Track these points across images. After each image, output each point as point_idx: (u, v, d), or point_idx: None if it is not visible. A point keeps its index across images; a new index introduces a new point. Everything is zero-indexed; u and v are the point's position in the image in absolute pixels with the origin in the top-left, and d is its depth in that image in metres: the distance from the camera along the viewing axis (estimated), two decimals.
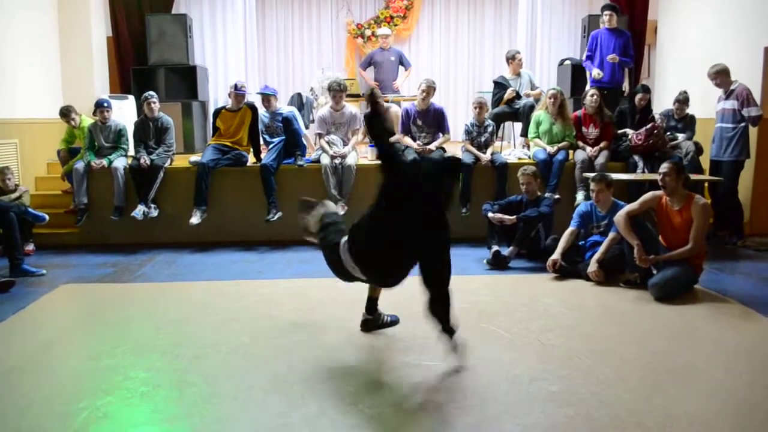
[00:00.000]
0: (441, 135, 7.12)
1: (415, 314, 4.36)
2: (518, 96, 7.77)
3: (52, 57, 8.33)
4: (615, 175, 5.92)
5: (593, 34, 7.93)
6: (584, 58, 8.04)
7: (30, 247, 6.37)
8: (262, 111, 7.24)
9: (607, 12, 7.74)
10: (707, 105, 6.95)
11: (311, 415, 2.96)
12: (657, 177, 4.97)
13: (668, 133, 6.89)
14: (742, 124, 6.43)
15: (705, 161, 6.93)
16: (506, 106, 7.79)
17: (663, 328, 4.16)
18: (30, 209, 6.19)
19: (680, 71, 8.49)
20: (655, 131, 6.63)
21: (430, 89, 6.99)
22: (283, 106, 7.50)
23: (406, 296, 4.79)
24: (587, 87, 7.59)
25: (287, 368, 3.49)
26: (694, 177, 6.26)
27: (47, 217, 6.22)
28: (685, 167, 5.22)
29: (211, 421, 2.92)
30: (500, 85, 7.89)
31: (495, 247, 5.77)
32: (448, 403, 3.06)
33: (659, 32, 9.27)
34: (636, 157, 6.78)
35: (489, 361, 3.56)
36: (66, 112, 7.17)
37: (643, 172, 6.62)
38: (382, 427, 2.85)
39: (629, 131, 6.88)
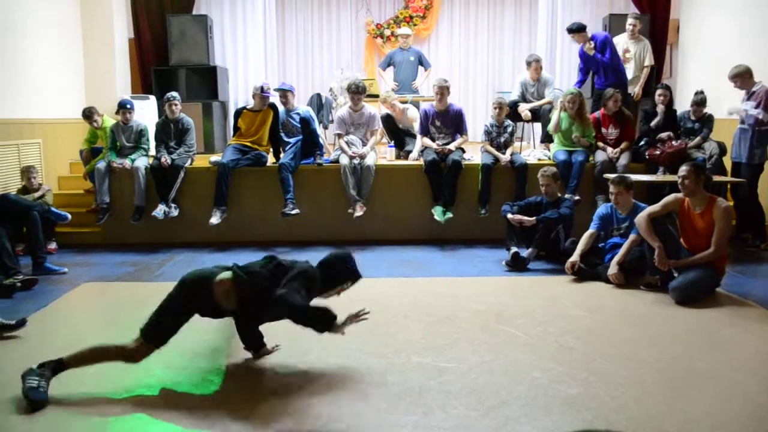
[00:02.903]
0: (459, 136, 7.10)
1: (433, 315, 4.37)
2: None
3: (75, 58, 8.44)
4: (635, 177, 5.87)
5: (579, 53, 7.82)
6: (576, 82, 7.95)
7: (52, 245, 6.45)
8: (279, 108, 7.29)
9: (573, 36, 7.56)
10: (733, 105, 6.85)
11: (326, 415, 2.97)
12: (676, 178, 4.93)
13: (688, 138, 6.85)
14: (763, 127, 6.32)
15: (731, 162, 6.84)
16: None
17: (683, 331, 4.12)
18: (53, 208, 6.28)
19: (704, 70, 8.39)
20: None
21: (442, 90, 6.96)
22: (300, 106, 7.53)
23: (426, 296, 4.81)
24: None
25: (306, 367, 3.51)
26: (716, 179, 6.19)
27: (70, 216, 6.30)
28: (705, 169, 5.15)
29: (232, 420, 2.93)
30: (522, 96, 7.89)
31: (514, 249, 5.75)
32: (466, 404, 3.05)
33: (681, 31, 9.17)
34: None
35: (507, 363, 3.55)
36: (89, 114, 7.25)
37: (664, 173, 6.56)
38: (398, 428, 2.85)
39: (665, 137, 6.80)
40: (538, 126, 8.29)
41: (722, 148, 6.85)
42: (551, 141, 7.30)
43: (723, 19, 8.10)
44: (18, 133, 7.12)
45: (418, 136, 7.23)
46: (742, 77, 6.31)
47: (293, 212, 6.60)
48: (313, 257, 6.32)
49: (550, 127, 7.03)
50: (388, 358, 3.64)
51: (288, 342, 3.79)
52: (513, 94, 8.01)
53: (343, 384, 3.31)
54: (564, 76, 9.65)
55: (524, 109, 7.63)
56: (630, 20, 8.05)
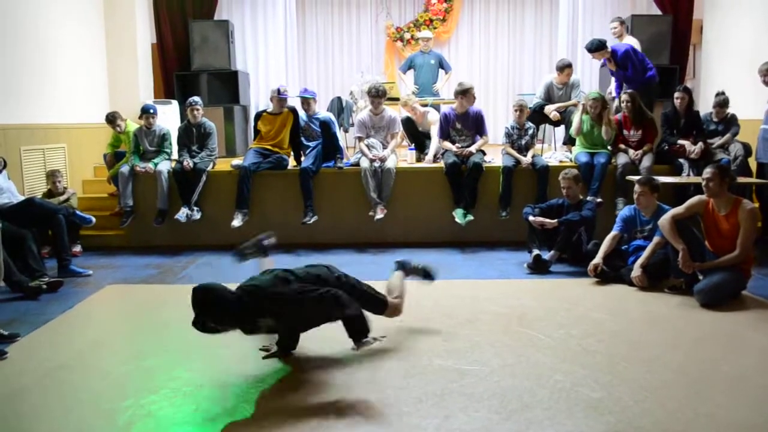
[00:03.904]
0: (479, 137, 7.08)
1: (454, 318, 4.36)
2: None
3: (98, 64, 8.56)
4: (660, 178, 5.80)
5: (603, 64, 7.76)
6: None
7: (77, 248, 6.53)
8: (300, 114, 7.33)
9: (593, 55, 7.46)
10: (759, 106, 6.77)
11: (349, 417, 2.97)
12: (701, 179, 4.87)
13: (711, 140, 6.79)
14: None
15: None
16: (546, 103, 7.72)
17: (709, 335, 4.07)
18: (77, 211, 6.37)
19: (727, 71, 8.30)
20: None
21: (463, 94, 6.94)
22: (321, 111, 7.57)
23: (447, 298, 4.80)
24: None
25: (326, 370, 3.51)
26: (741, 180, 6.11)
27: (94, 219, 6.39)
28: (730, 170, 5.09)
29: (252, 420, 2.95)
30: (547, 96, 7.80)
31: (536, 251, 5.71)
32: (488, 408, 3.04)
33: (705, 32, 9.08)
34: (681, 160, 6.67)
35: (530, 366, 3.53)
36: (112, 119, 7.34)
37: (689, 175, 6.49)
38: (420, 430, 2.84)
39: (684, 142, 6.74)
40: (559, 128, 8.24)
41: (747, 149, 6.76)
42: (574, 143, 7.26)
43: (747, 19, 8.01)
44: (43, 137, 7.23)
45: (434, 138, 7.22)
46: None
47: (311, 220, 6.70)
48: (334, 260, 6.35)
49: (572, 129, 6.98)
50: (410, 361, 3.63)
51: (308, 343, 3.80)
52: (537, 97, 7.94)
53: (364, 386, 3.30)
54: (585, 78, 9.58)
55: (551, 110, 7.55)
56: (611, 24, 8.01)
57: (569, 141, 7.50)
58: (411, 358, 3.68)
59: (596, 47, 7.27)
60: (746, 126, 6.94)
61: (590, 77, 9.67)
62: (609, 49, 7.28)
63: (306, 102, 7.24)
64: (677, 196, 6.35)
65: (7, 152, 6.43)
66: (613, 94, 7.64)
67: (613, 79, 7.79)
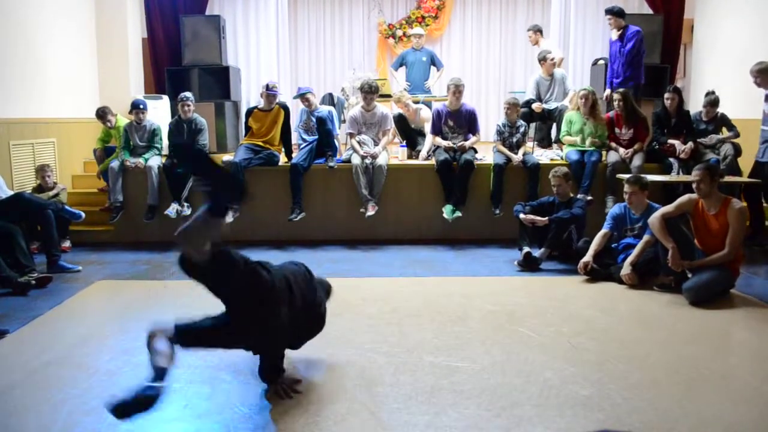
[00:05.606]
0: (471, 135, 7.08)
1: (445, 315, 4.37)
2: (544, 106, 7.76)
3: (89, 58, 8.50)
4: (650, 177, 5.83)
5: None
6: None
7: (66, 243, 6.50)
8: (302, 107, 7.32)
9: (609, 18, 7.48)
10: (749, 105, 6.80)
11: (339, 414, 2.97)
12: (691, 179, 4.89)
13: (702, 140, 6.82)
14: None
15: (746, 163, 6.76)
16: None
17: (697, 332, 4.09)
18: (67, 207, 6.32)
19: (718, 71, 8.34)
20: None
21: (459, 89, 6.95)
22: (321, 106, 7.58)
23: (438, 295, 4.80)
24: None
25: (317, 367, 3.51)
26: (729, 179, 6.14)
27: (83, 214, 6.35)
28: (718, 169, 5.11)
29: (242, 417, 2.95)
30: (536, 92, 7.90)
31: (526, 249, 5.73)
32: (478, 404, 3.05)
33: (696, 31, 9.12)
34: (671, 159, 6.70)
35: (520, 363, 3.54)
36: (102, 114, 7.30)
37: (678, 174, 6.52)
38: (410, 427, 2.85)
39: (674, 142, 6.77)
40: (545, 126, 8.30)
41: (737, 149, 6.79)
42: (558, 142, 7.30)
43: (738, 19, 8.05)
44: (33, 132, 7.18)
45: (428, 135, 7.23)
46: (765, 74, 6.24)
47: (298, 217, 6.69)
48: (324, 257, 6.36)
49: (563, 133, 7.05)
50: (400, 358, 3.63)
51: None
52: (527, 94, 8.01)
53: (355, 383, 3.30)
54: (576, 76, 9.61)
55: (537, 105, 7.71)
56: (528, 33, 8.44)
57: (556, 140, 7.55)
58: (401, 354, 3.68)
59: (617, 12, 7.34)
60: (736, 125, 6.97)
61: (581, 75, 9.67)
62: (624, 23, 7.35)
63: (305, 99, 7.23)
64: (666, 194, 6.38)
65: None
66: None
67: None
